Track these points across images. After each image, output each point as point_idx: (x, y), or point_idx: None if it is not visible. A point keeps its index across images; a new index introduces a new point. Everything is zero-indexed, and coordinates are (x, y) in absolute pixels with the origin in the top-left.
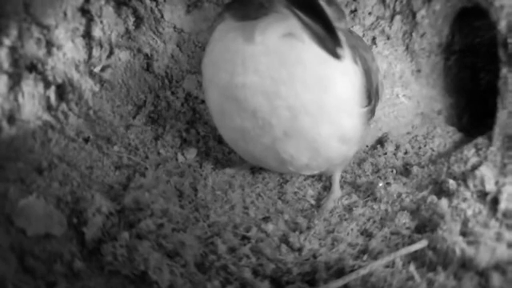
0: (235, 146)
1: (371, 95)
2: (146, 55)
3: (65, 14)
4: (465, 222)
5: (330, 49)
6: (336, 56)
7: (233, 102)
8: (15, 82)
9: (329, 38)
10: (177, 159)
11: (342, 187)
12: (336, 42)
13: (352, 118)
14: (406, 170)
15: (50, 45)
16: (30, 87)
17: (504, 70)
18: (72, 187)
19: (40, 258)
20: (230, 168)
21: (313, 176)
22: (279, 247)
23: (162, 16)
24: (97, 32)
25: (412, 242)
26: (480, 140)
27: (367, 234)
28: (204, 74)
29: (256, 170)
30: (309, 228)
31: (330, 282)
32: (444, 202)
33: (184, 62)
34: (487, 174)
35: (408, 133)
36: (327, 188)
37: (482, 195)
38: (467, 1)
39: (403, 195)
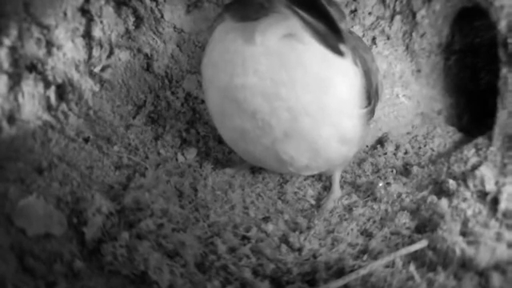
0: (235, 146)
1: (371, 96)
2: (146, 55)
3: (65, 14)
4: (465, 222)
5: (332, 46)
6: (339, 53)
7: (232, 102)
8: (15, 81)
9: (331, 35)
10: (177, 159)
11: (342, 187)
12: (339, 38)
13: (352, 119)
14: (405, 170)
15: (50, 45)
16: (30, 87)
17: (504, 70)
18: (72, 187)
19: (40, 258)
20: (230, 168)
21: (313, 176)
22: (279, 247)
23: (162, 16)
24: (97, 32)
25: (412, 242)
26: (480, 140)
27: (367, 234)
28: (204, 74)
29: (256, 169)
30: (309, 228)
31: (329, 282)
32: (444, 202)
33: (184, 62)
34: (487, 174)
35: (408, 133)
36: (327, 188)
37: (482, 195)
38: (467, 1)
39: (403, 195)
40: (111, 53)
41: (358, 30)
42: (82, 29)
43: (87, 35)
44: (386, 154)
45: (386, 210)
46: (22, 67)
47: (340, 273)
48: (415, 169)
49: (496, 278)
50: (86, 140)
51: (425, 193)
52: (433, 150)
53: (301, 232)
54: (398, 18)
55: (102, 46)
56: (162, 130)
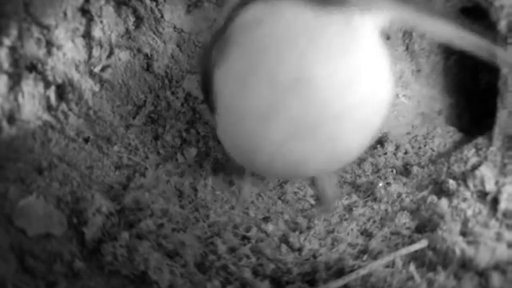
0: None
1: None
2: (146, 55)
3: (65, 14)
4: (465, 222)
5: None
6: None
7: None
8: (15, 81)
9: None
10: (177, 159)
11: (341, 187)
12: None
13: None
14: (405, 170)
15: (50, 45)
16: (30, 87)
17: (504, 70)
18: (72, 187)
19: (40, 258)
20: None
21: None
22: (279, 247)
23: (162, 16)
24: (97, 32)
25: (412, 242)
26: (480, 140)
27: (367, 234)
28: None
29: None
30: (309, 228)
31: (329, 282)
32: (444, 201)
33: (184, 62)
34: (487, 174)
35: (408, 133)
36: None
37: (482, 195)
38: (467, 1)
39: (403, 195)
40: (111, 53)
41: None
42: (82, 29)
43: (87, 35)
44: (386, 153)
45: (386, 210)
46: (22, 67)
47: (340, 273)
48: (415, 169)
49: (496, 278)
50: (86, 140)
51: (425, 193)
52: (433, 150)
53: (301, 232)
54: None
55: (102, 46)
56: (162, 130)
